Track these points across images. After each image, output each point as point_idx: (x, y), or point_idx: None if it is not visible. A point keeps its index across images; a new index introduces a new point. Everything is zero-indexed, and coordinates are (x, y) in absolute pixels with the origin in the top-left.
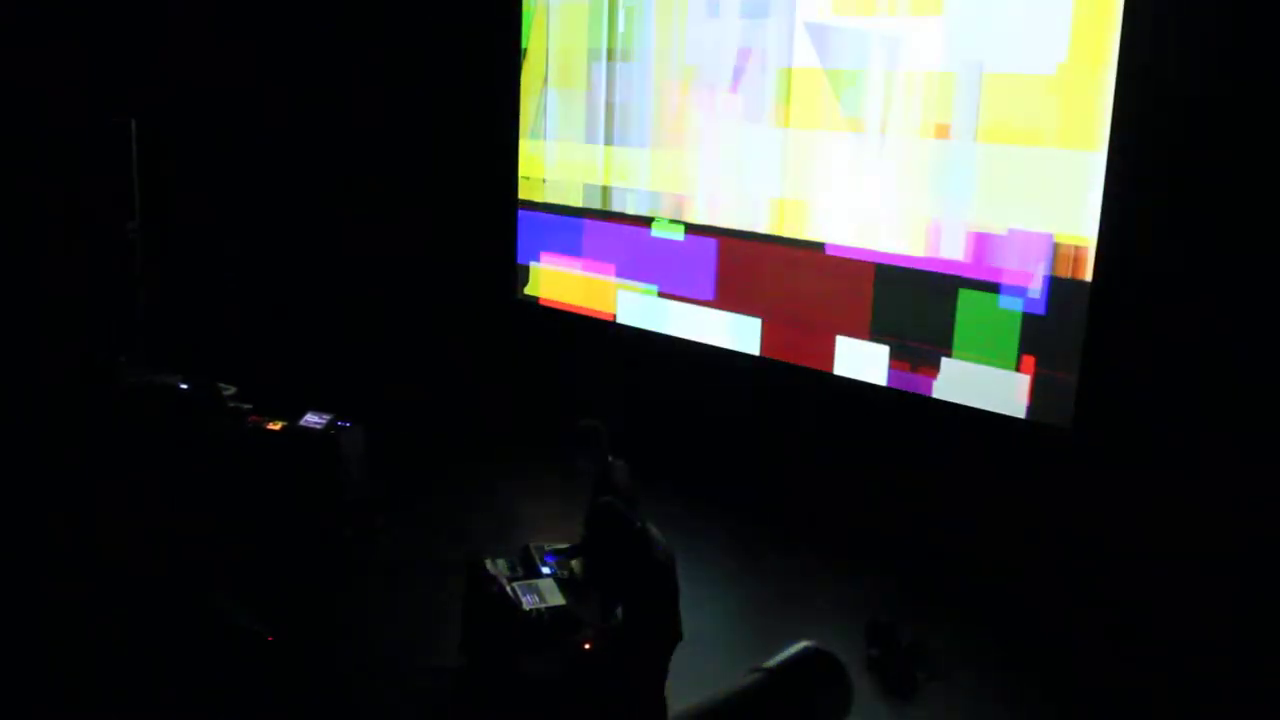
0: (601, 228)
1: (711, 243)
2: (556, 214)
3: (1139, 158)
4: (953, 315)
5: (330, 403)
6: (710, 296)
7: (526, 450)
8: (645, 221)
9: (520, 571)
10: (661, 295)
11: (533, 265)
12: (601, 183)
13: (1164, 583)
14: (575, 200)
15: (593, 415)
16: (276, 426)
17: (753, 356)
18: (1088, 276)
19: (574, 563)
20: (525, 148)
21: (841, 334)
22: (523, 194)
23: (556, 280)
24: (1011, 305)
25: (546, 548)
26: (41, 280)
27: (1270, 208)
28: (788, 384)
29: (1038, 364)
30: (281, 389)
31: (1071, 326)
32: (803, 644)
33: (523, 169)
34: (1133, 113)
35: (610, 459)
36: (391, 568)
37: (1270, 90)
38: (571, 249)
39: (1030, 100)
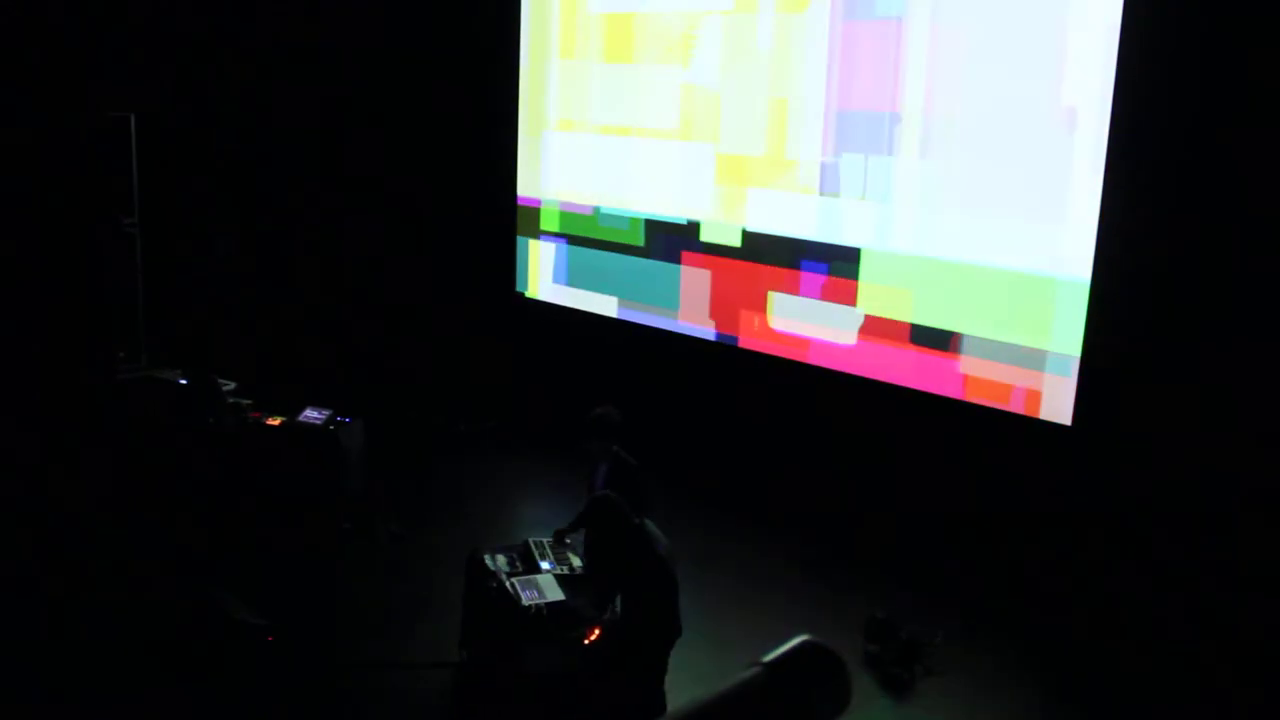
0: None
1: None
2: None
3: (1138, 160)
4: None
5: (329, 398)
6: None
7: (526, 446)
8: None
9: (520, 567)
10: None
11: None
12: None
13: (1162, 581)
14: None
15: (605, 403)
16: (276, 422)
17: (752, 353)
18: (1087, 276)
19: (571, 553)
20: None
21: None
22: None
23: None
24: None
25: (548, 543)
26: (40, 276)
27: (1270, 208)
28: (788, 381)
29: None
30: (281, 384)
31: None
32: (801, 639)
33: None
34: (1132, 114)
35: (618, 449)
36: (391, 563)
37: (1269, 89)
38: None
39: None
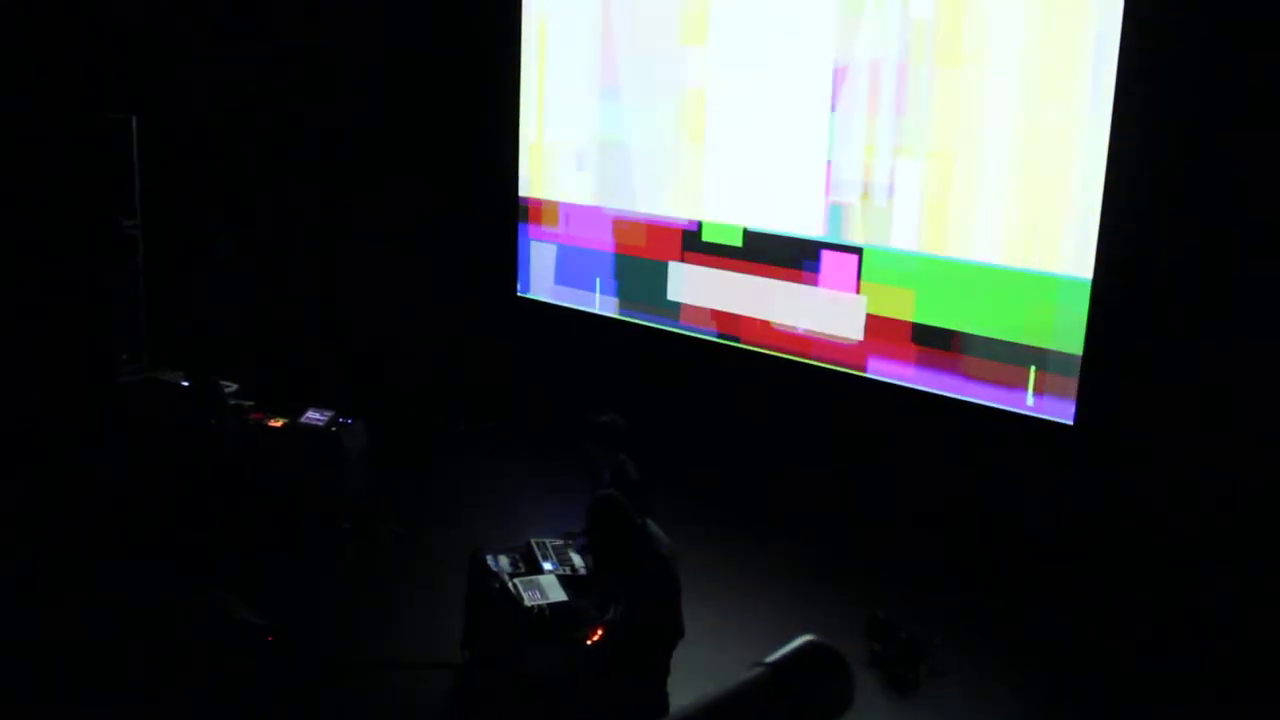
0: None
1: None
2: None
3: (1140, 160)
4: None
5: (332, 399)
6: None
7: (528, 446)
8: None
9: (522, 567)
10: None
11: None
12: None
13: (1164, 580)
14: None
15: (609, 410)
16: (278, 423)
17: (752, 352)
18: (1088, 275)
19: (573, 555)
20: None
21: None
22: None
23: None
24: None
25: (550, 544)
26: (42, 278)
27: (1271, 208)
28: (788, 381)
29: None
30: (283, 386)
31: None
32: (804, 638)
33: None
34: (1134, 113)
35: (622, 457)
36: (392, 564)
37: (1270, 89)
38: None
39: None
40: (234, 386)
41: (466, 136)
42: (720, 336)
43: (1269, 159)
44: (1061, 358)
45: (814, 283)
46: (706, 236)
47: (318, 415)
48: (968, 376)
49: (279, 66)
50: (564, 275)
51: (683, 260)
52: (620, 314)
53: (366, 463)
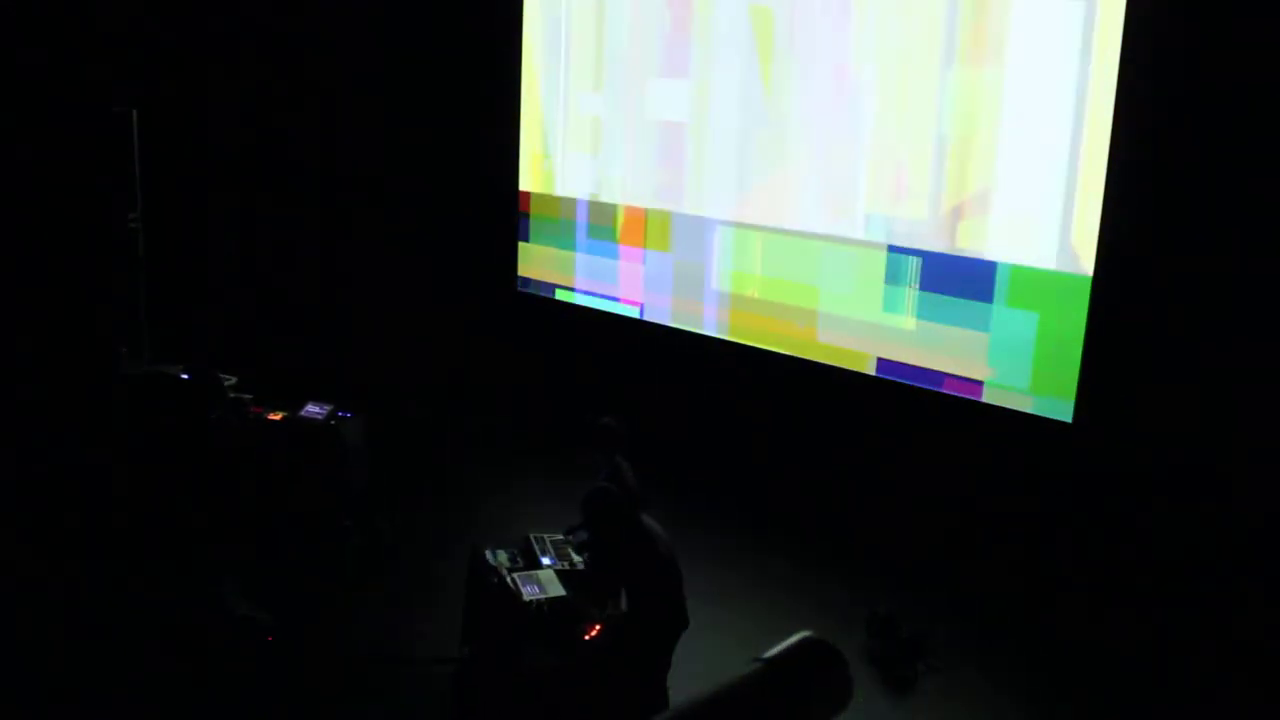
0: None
1: None
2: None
3: (1140, 159)
4: None
5: (331, 393)
6: None
7: (526, 443)
8: None
9: (521, 562)
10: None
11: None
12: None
13: (1163, 579)
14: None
15: (607, 412)
16: (277, 417)
17: (751, 348)
18: (1089, 273)
19: (572, 550)
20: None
21: None
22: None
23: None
24: None
25: (549, 539)
26: (42, 272)
27: (1271, 208)
28: (789, 380)
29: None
30: (282, 379)
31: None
32: (802, 635)
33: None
34: (1136, 112)
35: (619, 459)
36: (392, 559)
37: (1271, 89)
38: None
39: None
40: (233, 379)
41: (466, 136)
42: (720, 335)
43: (1269, 159)
44: (1061, 356)
45: (816, 280)
46: (709, 233)
47: (317, 409)
48: (966, 375)
49: (280, 63)
50: (565, 273)
51: (684, 257)
52: (621, 311)
53: (365, 458)
